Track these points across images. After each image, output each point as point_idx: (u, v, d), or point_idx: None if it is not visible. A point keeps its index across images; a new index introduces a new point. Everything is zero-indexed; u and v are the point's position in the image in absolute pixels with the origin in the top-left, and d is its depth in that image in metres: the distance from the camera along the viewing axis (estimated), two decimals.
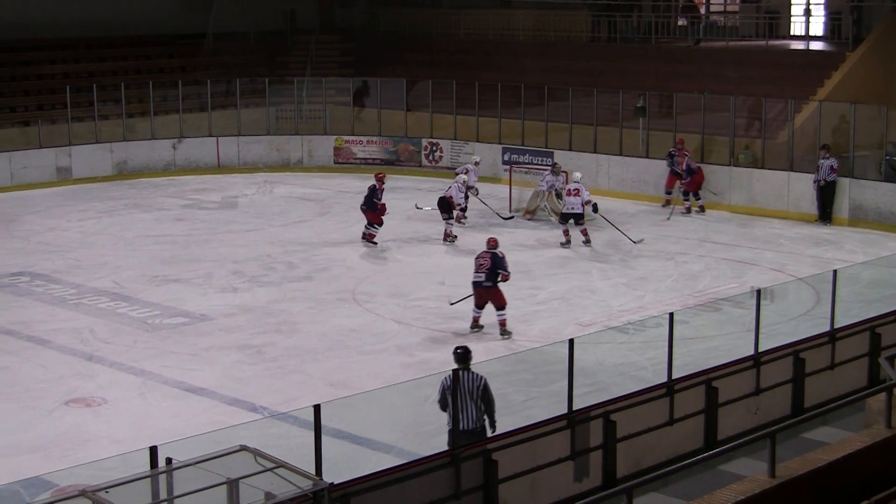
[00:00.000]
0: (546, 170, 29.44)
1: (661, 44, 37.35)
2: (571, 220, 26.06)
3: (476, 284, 19.63)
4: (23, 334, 20.09)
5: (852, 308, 18.02)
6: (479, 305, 19.79)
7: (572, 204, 25.96)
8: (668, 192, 30.12)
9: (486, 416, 13.19)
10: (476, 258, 19.83)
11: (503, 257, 19.61)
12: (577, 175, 27.21)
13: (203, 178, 35.02)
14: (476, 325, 19.87)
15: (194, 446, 11.59)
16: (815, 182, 27.99)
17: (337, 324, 20.58)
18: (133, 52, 40.31)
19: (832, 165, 27.57)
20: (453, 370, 12.92)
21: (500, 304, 19.62)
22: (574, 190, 26.11)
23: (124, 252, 25.81)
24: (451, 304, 20.88)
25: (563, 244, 26.10)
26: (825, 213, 27.99)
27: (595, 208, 26.34)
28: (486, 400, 13.13)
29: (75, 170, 34.34)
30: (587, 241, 26.04)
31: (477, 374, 13.18)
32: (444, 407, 13.09)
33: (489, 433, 13.13)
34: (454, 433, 12.75)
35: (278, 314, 21.07)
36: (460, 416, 12.86)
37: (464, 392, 12.98)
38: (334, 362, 18.53)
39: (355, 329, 20.25)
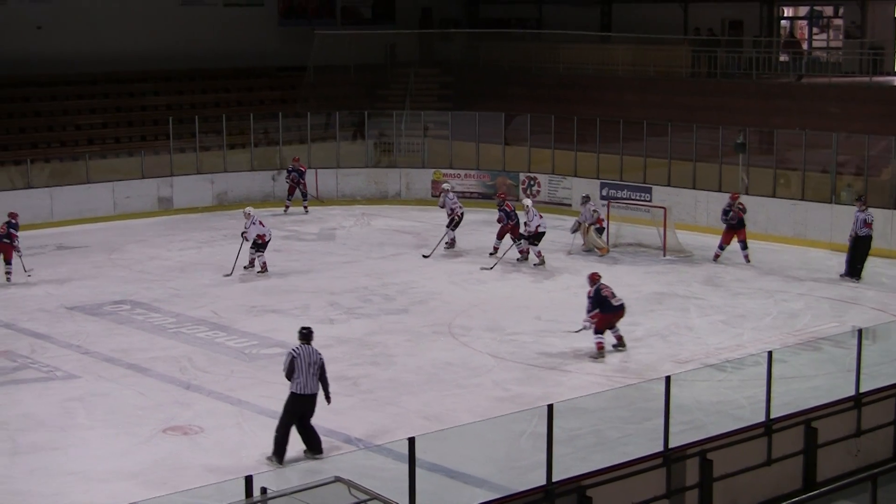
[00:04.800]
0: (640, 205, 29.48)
1: (763, 79, 37.00)
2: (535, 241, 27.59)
3: (620, 308, 20.72)
4: (123, 362, 20.39)
5: None
6: (604, 330, 20.76)
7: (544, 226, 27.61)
8: (722, 248, 28.15)
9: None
10: (602, 291, 20.63)
11: None
12: (528, 202, 28.38)
13: (302, 210, 35.26)
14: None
15: (289, 476, 11.69)
16: (849, 236, 26.35)
17: (432, 357, 20.62)
18: (235, 83, 40.95)
19: (865, 219, 25.92)
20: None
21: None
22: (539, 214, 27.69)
23: (223, 282, 26.06)
24: (576, 331, 21.00)
25: (520, 260, 27.83)
26: (853, 269, 25.94)
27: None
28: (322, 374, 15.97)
29: (176, 200, 34.90)
30: (541, 262, 27.57)
31: (315, 350, 15.98)
32: (289, 376, 15.83)
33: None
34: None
35: (374, 346, 21.15)
36: (303, 382, 15.73)
37: (309, 363, 15.79)
38: (429, 395, 18.56)
39: (451, 362, 20.28)
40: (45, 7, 38.28)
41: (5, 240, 25.66)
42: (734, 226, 27.60)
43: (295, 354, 15.76)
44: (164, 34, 40.02)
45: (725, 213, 27.75)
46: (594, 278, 20.90)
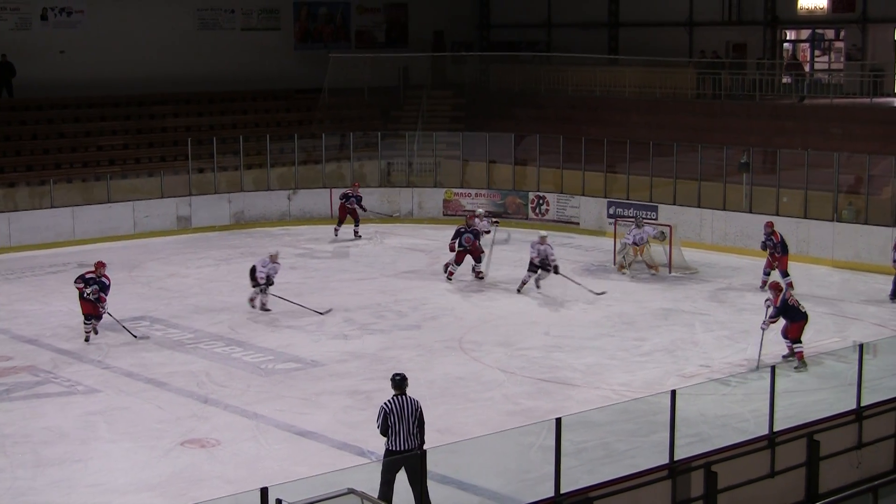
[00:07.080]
0: (634, 223, 29.47)
1: (766, 101, 37.30)
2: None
3: (806, 315, 20.89)
4: (142, 376, 20.65)
5: None
6: (800, 338, 20.89)
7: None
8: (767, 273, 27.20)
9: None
10: (789, 300, 20.81)
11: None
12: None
13: (316, 228, 35.56)
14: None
15: (304, 488, 11.87)
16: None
17: (444, 371, 20.84)
18: (252, 106, 41.32)
19: None
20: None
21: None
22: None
23: (240, 299, 26.15)
24: (762, 337, 21.09)
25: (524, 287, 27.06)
26: None
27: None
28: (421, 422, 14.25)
29: (195, 219, 35.31)
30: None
31: (412, 399, 14.29)
32: (385, 432, 14.15)
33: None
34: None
35: (387, 361, 21.31)
36: (398, 438, 14.05)
37: (405, 416, 14.11)
38: (441, 409, 18.71)
39: (462, 377, 20.49)
40: (69, 32, 38.98)
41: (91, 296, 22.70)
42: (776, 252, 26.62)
43: (388, 409, 14.13)
44: (183, 58, 40.64)
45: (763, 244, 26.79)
46: (778, 287, 21.19)
